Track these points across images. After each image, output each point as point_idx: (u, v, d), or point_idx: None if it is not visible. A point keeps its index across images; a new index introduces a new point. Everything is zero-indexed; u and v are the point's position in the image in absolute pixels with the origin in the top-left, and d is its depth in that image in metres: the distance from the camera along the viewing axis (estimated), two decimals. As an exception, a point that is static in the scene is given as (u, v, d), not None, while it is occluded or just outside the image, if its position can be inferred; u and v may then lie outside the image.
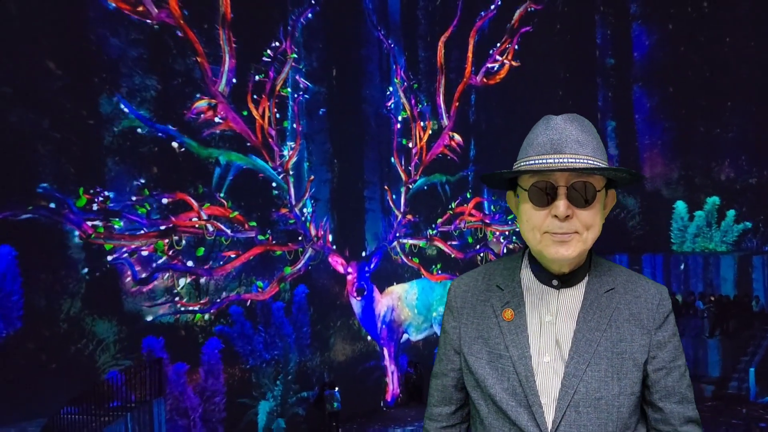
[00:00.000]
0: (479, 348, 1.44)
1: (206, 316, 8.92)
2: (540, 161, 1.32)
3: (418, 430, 10.49)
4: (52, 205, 7.21)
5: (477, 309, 1.48)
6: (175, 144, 8.29)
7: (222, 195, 8.82)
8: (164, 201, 8.19)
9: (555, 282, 1.41)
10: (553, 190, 1.32)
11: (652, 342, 1.38)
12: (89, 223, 7.49)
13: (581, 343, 1.36)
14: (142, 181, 8.01)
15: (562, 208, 1.30)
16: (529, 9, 13.61)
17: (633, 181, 1.43)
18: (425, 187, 12.39)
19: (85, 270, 7.69)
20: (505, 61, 13.34)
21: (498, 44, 13.27)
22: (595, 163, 1.32)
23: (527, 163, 1.35)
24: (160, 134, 8.19)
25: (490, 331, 1.44)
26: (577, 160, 1.30)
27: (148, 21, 7.99)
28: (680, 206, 14.19)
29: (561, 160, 1.30)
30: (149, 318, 8.22)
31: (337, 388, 10.40)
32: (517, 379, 1.37)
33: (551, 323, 1.39)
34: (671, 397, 1.40)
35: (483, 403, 1.44)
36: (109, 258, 7.75)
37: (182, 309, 8.54)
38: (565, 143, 1.31)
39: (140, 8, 7.86)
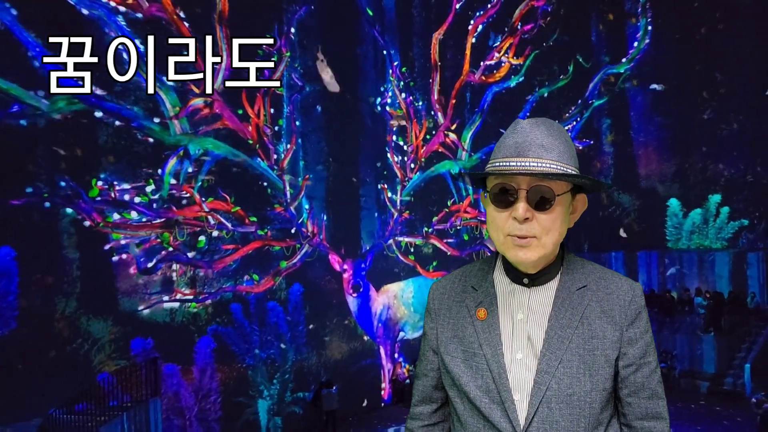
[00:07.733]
0: (455, 347, 1.48)
1: (202, 314, 8.94)
2: (503, 164, 1.35)
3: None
4: (67, 192, 7.47)
5: (453, 310, 1.52)
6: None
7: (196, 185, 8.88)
8: (172, 192, 8.40)
9: (525, 280, 1.44)
10: (514, 193, 1.34)
11: (623, 338, 1.40)
12: (97, 213, 7.72)
13: (553, 340, 1.39)
14: (148, 171, 8.17)
15: (521, 210, 1.33)
16: (532, 5, 13.58)
17: (597, 187, 1.44)
18: (424, 183, 12.38)
19: (80, 271, 7.71)
20: (503, 58, 13.33)
21: (498, 42, 13.27)
22: (559, 167, 1.34)
23: (492, 165, 1.38)
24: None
25: (465, 330, 1.47)
26: (540, 164, 1.33)
27: (140, 15, 8.02)
28: (674, 203, 14.20)
29: (522, 164, 1.33)
30: (146, 309, 8.31)
31: (334, 387, 10.41)
32: (491, 376, 1.39)
33: (523, 321, 1.42)
34: (641, 392, 1.42)
35: (459, 401, 1.47)
36: (117, 246, 7.99)
37: (179, 298, 8.66)
38: (529, 147, 1.34)
39: (130, 1, 7.90)
